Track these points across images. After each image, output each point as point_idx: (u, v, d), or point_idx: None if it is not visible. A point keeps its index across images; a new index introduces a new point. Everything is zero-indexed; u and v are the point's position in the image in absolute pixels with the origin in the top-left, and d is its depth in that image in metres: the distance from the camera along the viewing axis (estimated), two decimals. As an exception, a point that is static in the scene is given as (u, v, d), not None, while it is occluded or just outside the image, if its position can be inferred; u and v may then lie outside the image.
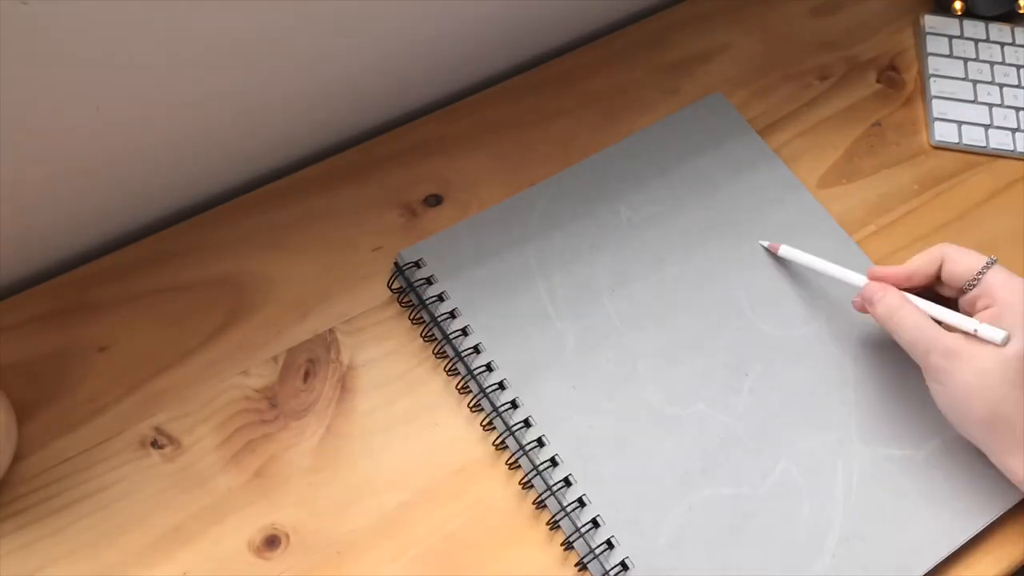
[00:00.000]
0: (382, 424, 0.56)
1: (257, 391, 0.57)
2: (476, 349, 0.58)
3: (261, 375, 0.58)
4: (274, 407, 0.57)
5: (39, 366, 0.57)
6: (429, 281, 0.60)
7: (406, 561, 0.53)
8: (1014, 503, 0.55)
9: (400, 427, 0.56)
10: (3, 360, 0.56)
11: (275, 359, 0.58)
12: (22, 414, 0.54)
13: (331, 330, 0.59)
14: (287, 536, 0.53)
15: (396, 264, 0.61)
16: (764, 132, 0.70)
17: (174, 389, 0.57)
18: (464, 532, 0.54)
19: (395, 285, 0.61)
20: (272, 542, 0.53)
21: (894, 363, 0.59)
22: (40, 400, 0.55)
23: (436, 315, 0.58)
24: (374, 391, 0.58)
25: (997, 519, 0.55)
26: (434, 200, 0.65)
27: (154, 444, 0.55)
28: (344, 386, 0.58)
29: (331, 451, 0.55)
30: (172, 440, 0.55)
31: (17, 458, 0.53)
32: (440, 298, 0.59)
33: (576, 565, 0.53)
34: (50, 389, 0.56)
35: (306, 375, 0.58)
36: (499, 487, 0.55)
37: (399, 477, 0.55)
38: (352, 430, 0.56)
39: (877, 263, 0.64)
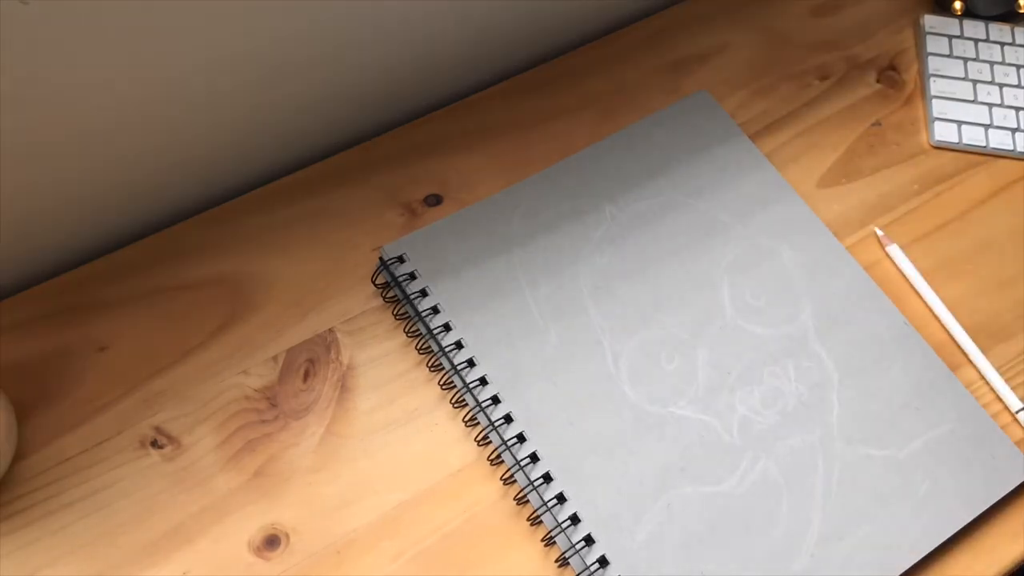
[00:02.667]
0: (382, 424, 0.57)
1: (257, 391, 0.57)
2: (458, 344, 0.58)
3: (261, 375, 0.58)
4: (274, 407, 0.57)
5: (39, 366, 0.57)
6: (412, 276, 0.60)
7: (405, 561, 0.53)
8: (992, 503, 0.55)
9: (400, 427, 0.57)
10: (3, 360, 0.56)
11: (275, 359, 0.58)
12: (22, 414, 0.54)
13: (331, 330, 0.59)
14: (287, 536, 0.53)
15: (381, 259, 0.61)
16: (764, 132, 0.70)
17: (174, 389, 0.57)
18: (463, 532, 0.54)
19: (379, 280, 0.61)
20: (272, 542, 0.53)
21: (878, 363, 0.59)
22: (40, 400, 0.56)
23: (420, 310, 0.59)
24: (374, 391, 0.58)
25: (993, 520, 0.55)
26: (434, 200, 0.65)
27: (154, 444, 0.55)
28: (344, 386, 0.58)
29: (331, 451, 0.56)
30: (172, 440, 0.55)
31: (17, 458, 0.53)
32: (423, 293, 0.59)
33: (556, 561, 0.53)
34: (50, 389, 0.56)
35: (306, 375, 0.58)
36: (498, 488, 0.55)
37: (398, 477, 0.55)
38: (352, 430, 0.56)
39: (876, 262, 0.64)
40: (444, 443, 0.56)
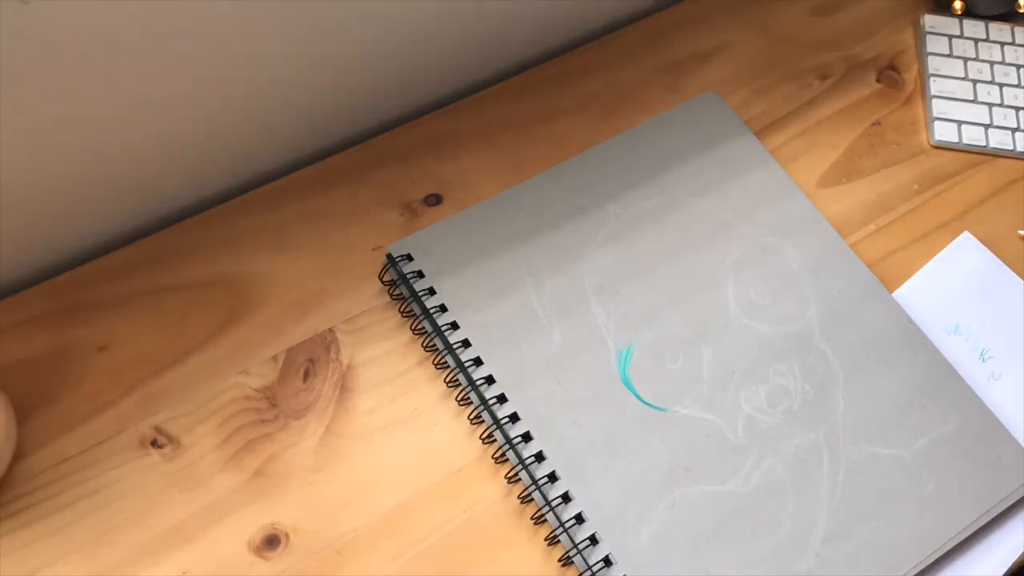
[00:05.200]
0: (382, 424, 0.57)
1: (257, 390, 0.57)
2: (465, 342, 0.58)
3: (261, 374, 0.58)
4: (274, 407, 0.57)
5: (39, 366, 0.57)
6: (420, 274, 0.60)
7: (405, 561, 0.53)
8: (1002, 508, 0.55)
9: (400, 427, 0.56)
10: (3, 360, 0.56)
11: (275, 359, 0.58)
12: (22, 414, 0.54)
13: (331, 329, 0.59)
14: (287, 536, 0.53)
15: (389, 256, 0.61)
16: (764, 132, 0.70)
17: (174, 389, 0.57)
18: (464, 532, 0.54)
19: (386, 277, 0.61)
20: (272, 542, 0.53)
21: (883, 361, 0.59)
22: (40, 400, 0.55)
23: (427, 308, 0.59)
24: (374, 390, 0.58)
25: (999, 519, 0.55)
26: (434, 200, 0.65)
27: (154, 444, 0.55)
28: (344, 385, 0.58)
29: (331, 451, 0.55)
30: (172, 440, 0.55)
31: (17, 458, 0.53)
32: (431, 291, 0.59)
33: (559, 560, 0.53)
34: (50, 389, 0.56)
35: (306, 374, 0.58)
36: (499, 487, 0.55)
37: (399, 477, 0.55)
38: (352, 430, 0.56)
39: (876, 263, 0.64)
40: (445, 442, 0.56)
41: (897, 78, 0.74)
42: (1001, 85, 0.73)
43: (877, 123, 0.72)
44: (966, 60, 0.74)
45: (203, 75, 0.56)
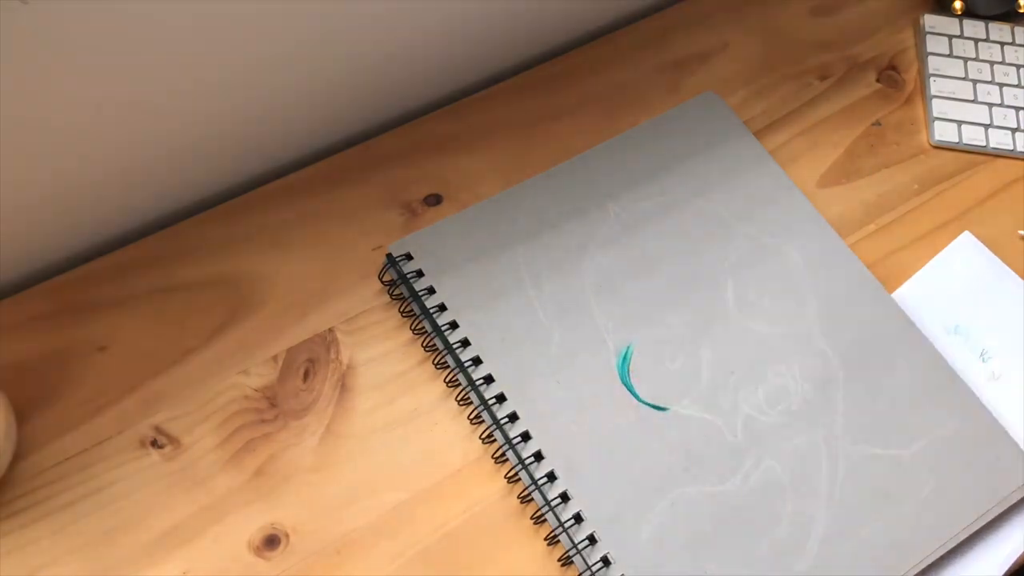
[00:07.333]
0: (382, 423, 0.57)
1: (257, 390, 0.57)
2: (464, 342, 0.58)
3: (261, 374, 0.58)
4: (274, 407, 0.57)
5: (39, 366, 0.57)
6: (419, 274, 0.60)
7: (405, 561, 0.53)
8: (1000, 509, 0.55)
9: (400, 426, 0.57)
10: (3, 360, 0.56)
11: (275, 359, 0.58)
12: (22, 414, 0.54)
13: (331, 329, 0.59)
14: (287, 536, 0.53)
15: (389, 256, 0.61)
16: (764, 132, 0.70)
17: (174, 389, 0.57)
18: (463, 531, 0.54)
19: (386, 277, 0.61)
20: (272, 542, 0.53)
21: (883, 361, 0.59)
22: (40, 400, 0.55)
23: (427, 307, 0.59)
24: (374, 390, 0.58)
25: (997, 521, 0.55)
26: (434, 200, 0.65)
27: (154, 444, 0.55)
28: (344, 385, 0.58)
29: (331, 451, 0.55)
30: (172, 439, 0.55)
31: (17, 458, 0.53)
32: (430, 290, 0.59)
33: (559, 560, 0.53)
34: (50, 389, 0.56)
35: (306, 374, 0.58)
36: (499, 487, 0.55)
37: (398, 477, 0.55)
38: (352, 430, 0.56)
39: (876, 263, 0.64)
40: (444, 442, 0.56)
41: (897, 78, 0.74)
42: (1001, 85, 0.73)
43: (877, 123, 0.72)
44: (966, 60, 0.74)
45: (203, 76, 0.56)
